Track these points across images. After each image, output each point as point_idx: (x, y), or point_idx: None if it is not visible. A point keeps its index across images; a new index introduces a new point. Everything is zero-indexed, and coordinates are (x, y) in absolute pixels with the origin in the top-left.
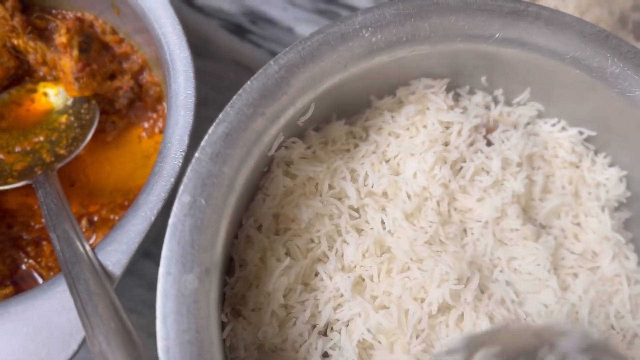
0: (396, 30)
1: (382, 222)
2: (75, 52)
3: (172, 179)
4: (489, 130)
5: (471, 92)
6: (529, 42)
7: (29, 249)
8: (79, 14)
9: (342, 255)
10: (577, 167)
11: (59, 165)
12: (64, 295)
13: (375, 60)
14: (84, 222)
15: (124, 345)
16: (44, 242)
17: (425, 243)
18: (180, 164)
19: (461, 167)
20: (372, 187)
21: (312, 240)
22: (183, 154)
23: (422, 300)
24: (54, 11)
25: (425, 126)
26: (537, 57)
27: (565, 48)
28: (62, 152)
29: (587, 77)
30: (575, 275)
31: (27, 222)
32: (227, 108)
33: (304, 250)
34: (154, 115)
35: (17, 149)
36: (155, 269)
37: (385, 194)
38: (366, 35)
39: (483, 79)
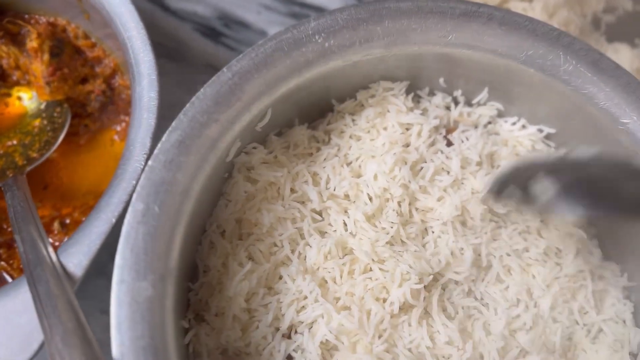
0: (349, 35)
1: (345, 224)
2: (45, 57)
3: (134, 182)
4: (449, 131)
5: (431, 94)
6: (483, 43)
7: (1, 251)
8: (51, 19)
9: (305, 258)
10: None
11: (28, 169)
12: (26, 296)
13: (330, 65)
14: (56, 224)
15: (80, 345)
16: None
17: (386, 244)
18: (142, 167)
19: (421, 168)
20: (334, 190)
21: (274, 244)
22: (145, 156)
23: (384, 300)
24: (26, 16)
25: (385, 128)
26: (492, 58)
27: (519, 48)
28: (35, 155)
29: (542, 75)
30: (540, 268)
31: (1, 225)
32: (181, 116)
33: (266, 254)
34: (126, 118)
35: None
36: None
37: (347, 197)
38: (319, 40)
39: (441, 80)
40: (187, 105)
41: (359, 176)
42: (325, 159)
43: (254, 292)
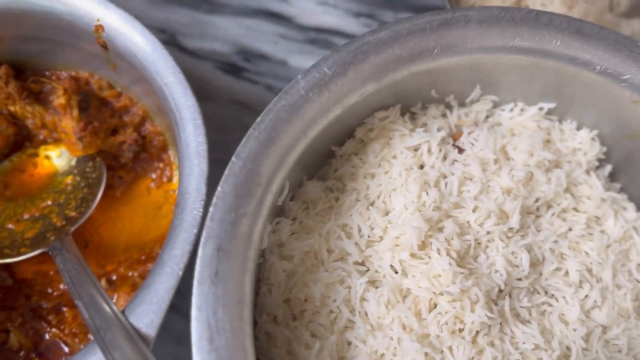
0: (341, 82)
1: (392, 267)
2: (75, 112)
3: (195, 230)
4: (456, 138)
5: (424, 108)
6: (467, 45)
7: (50, 317)
8: (73, 73)
9: (367, 315)
10: (549, 141)
11: (72, 229)
12: None
13: (330, 116)
14: (103, 282)
15: None
16: (65, 309)
17: (442, 272)
18: (201, 214)
19: (445, 184)
20: (368, 236)
21: (331, 312)
22: (202, 202)
23: (460, 331)
24: (47, 73)
25: (395, 157)
26: (478, 57)
27: (503, 40)
28: (73, 214)
29: (531, 58)
30: (589, 243)
31: (45, 290)
32: (208, 222)
33: (328, 326)
34: (161, 165)
35: (26, 216)
36: (181, 321)
37: (382, 239)
38: (314, 97)
39: (432, 91)
40: (211, 208)
41: (386, 213)
42: (348, 208)
43: None
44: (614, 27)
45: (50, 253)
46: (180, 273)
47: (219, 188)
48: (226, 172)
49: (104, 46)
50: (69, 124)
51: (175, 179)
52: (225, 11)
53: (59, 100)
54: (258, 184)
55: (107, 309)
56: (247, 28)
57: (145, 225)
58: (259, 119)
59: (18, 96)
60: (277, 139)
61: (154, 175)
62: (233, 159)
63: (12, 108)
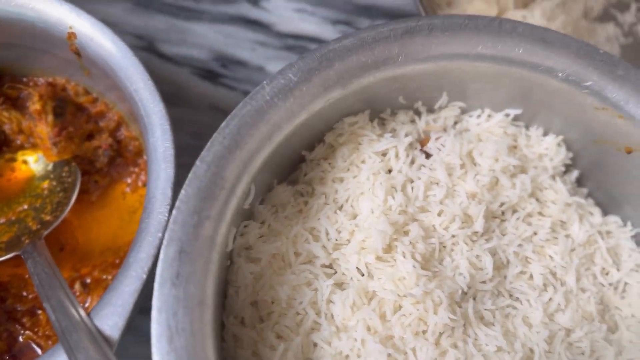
0: (306, 88)
1: (358, 269)
2: (50, 118)
3: (160, 234)
4: (423, 143)
5: (393, 114)
6: (431, 53)
7: (24, 320)
8: (50, 79)
9: (332, 317)
10: (515, 147)
11: (45, 233)
12: None
13: (295, 121)
14: (77, 285)
15: None
16: (39, 312)
17: (407, 274)
18: (166, 218)
19: (412, 188)
20: (335, 239)
21: (298, 313)
22: (168, 207)
23: (424, 332)
24: (24, 79)
25: (363, 161)
26: (443, 64)
27: (466, 47)
28: (48, 218)
29: (496, 66)
30: (554, 247)
31: (20, 293)
32: (171, 225)
33: (294, 327)
34: (136, 169)
35: (2, 220)
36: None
37: (349, 242)
38: (279, 103)
39: (400, 98)
40: (174, 212)
41: (354, 216)
42: (317, 211)
43: None
44: (590, 33)
45: (22, 256)
46: (145, 276)
47: (182, 191)
48: (190, 175)
49: (77, 53)
50: (44, 129)
51: None
52: (203, 18)
53: (34, 106)
54: (222, 188)
55: (74, 312)
56: (225, 35)
57: (121, 229)
58: (223, 124)
59: None
60: (242, 143)
61: (129, 180)
62: (197, 162)
63: None
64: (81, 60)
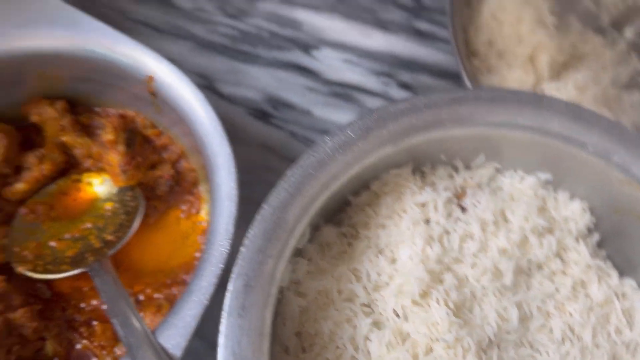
0: (362, 144)
1: (394, 311)
2: (122, 148)
3: (221, 265)
4: (460, 197)
5: (433, 168)
6: (475, 120)
7: (82, 329)
8: (121, 111)
9: (369, 354)
10: (544, 209)
11: (110, 252)
12: None
13: (350, 173)
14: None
15: None
16: (95, 323)
17: (440, 320)
18: (227, 251)
19: (448, 240)
20: (375, 281)
21: (337, 347)
22: (229, 242)
23: None
24: (97, 109)
25: (404, 211)
26: (485, 130)
27: (507, 117)
28: (110, 237)
29: (531, 135)
30: (574, 305)
31: (79, 305)
32: (239, 261)
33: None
34: (191, 198)
35: (67, 236)
36: (203, 346)
37: (388, 285)
38: (338, 157)
39: (441, 155)
40: (242, 249)
41: (393, 261)
42: (360, 254)
43: None
44: (617, 100)
45: (89, 273)
46: (206, 302)
47: (249, 231)
48: (257, 217)
49: (153, 94)
50: (115, 157)
51: (203, 212)
52: (259, 62)
53: (107, 136)
54: (284, 230)
55: (140, 328)
56: (277, 79)
57: (173, 252)
58: (289, 172)
59: (71, 129)
60: (304, 190)
61: (184, 207)
62: (264, 205)
63: (64, 138)
64: (155, 100)
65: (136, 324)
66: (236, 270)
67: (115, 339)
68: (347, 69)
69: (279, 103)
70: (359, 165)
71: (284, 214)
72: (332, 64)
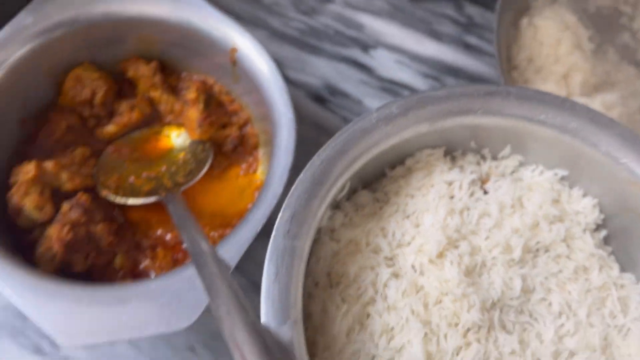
0: (402, 120)
1: (412, 266)
2: (201, 106)
3: (275, 201)
4: (484, 182)
5: (464, 154)
6: (504, 112)
7: (147, 251)
8: (202, 77)
9: (386, 297)
10: (558, 201)
11: (182, 188)
12: (190, 278)
13: (390, 142)
14: None
15: (238, 309)
16: (159, 248)
17: (451, 278)
18: (281, 191)
19: (468, 215)
20: (399, 240)
21: (359, 287)
22: (283, 185)
23: (456, 325)
24: (184, 74)
25: (432, 185)
26: (511, 122)
27: (532, 113)
28: (180, 180)
29: (552, 132)
30: (573, 285)
31: (146, 232)
32: (289, 198)
33: (354, 297)
34: (250, 159)
35: (144, 175)
36: (245, 284)
37: (409, 244)
38: (381, 126)
39: (472, 143)
40: (293, 188)
41: (417, 226)
42: (389, 216)
43: (351, 328)
44: None
45: (164, 200)
46: (259, 229)
47: (301, 175)
48: (308, 165)
49: (234, 63)
50: (194, 114)
51: (259, 172)
52: (323, 54)
53: (190, 94)
54: (328, 178)
55: (203, 242)
56: (337, 70)
57: (230, 202)
58: (338, 134)
59: (160, 86)
60: (348, 150)
61: (243, 166)
62: (315, 157)
63: (153, 94)
64: (235, 69)
65: (200, 240)
66: (285, 204)
67: (174, 263)
68: (398, 69)
69: (335, 91)
70: (397, 137)
71: (330, 166)
72: (385, 63)
